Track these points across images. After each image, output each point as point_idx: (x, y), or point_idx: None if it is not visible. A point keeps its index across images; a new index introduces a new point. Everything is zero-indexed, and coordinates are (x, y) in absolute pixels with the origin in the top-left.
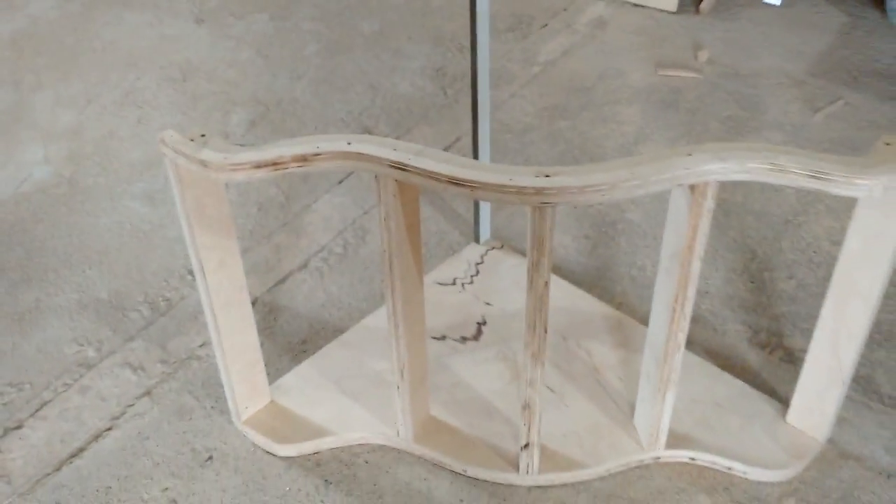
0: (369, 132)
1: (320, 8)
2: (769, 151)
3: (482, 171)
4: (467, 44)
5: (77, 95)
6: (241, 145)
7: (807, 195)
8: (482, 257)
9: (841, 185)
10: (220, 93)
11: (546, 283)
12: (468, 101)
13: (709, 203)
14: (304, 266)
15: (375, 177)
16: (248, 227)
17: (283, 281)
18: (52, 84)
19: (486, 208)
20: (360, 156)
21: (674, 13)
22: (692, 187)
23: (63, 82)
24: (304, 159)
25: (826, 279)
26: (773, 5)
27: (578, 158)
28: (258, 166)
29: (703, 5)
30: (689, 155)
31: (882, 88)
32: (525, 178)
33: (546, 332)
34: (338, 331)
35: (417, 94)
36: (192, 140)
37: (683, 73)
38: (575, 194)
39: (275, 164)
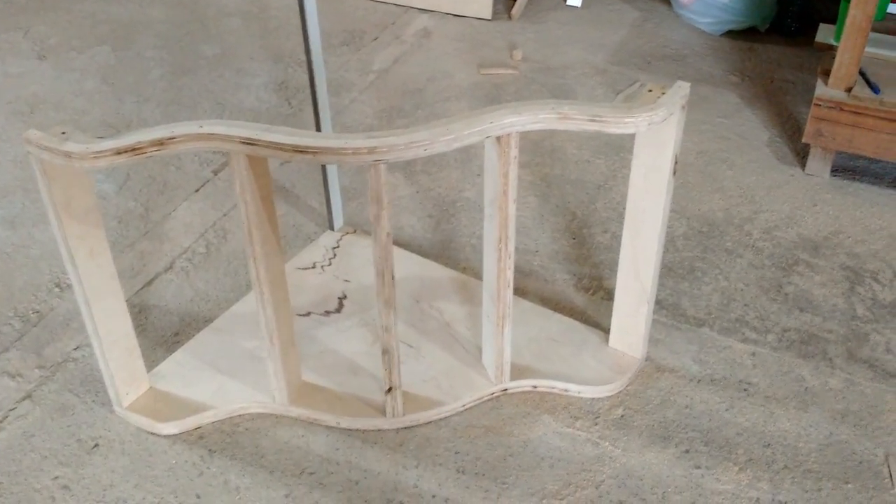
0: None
1: (161, 36)
2: (556, 103)
3: (322, 139)
4: (304, 59)
5: None
6: (101, 137)
7: (613, 164)
8: (338, 242)
9: (614, 125)
10: (70, 121)
11: (388, 234)
12: (311, 109)
13: (513, 151)
14: (170, 268)
15: (229, 153)
16: (109, 238)
17: (150, 283)
18: None
19: (337, 198)
20: (212, 136)
21: (489, 20)
22: (498, 139)
23: None
24: (160, 143)
25: None
26: (575, 7)
27: None
28: (119, 153)
29: (513, 11)
30: (492, 112)
31: (672, 69)
32: (358, 140)
33: (393, 279)
34: (208, 321)
35: (263, 106)
36: (54, 136)
37: (502, 71)
38: (402, 150)
39: (134, 149)
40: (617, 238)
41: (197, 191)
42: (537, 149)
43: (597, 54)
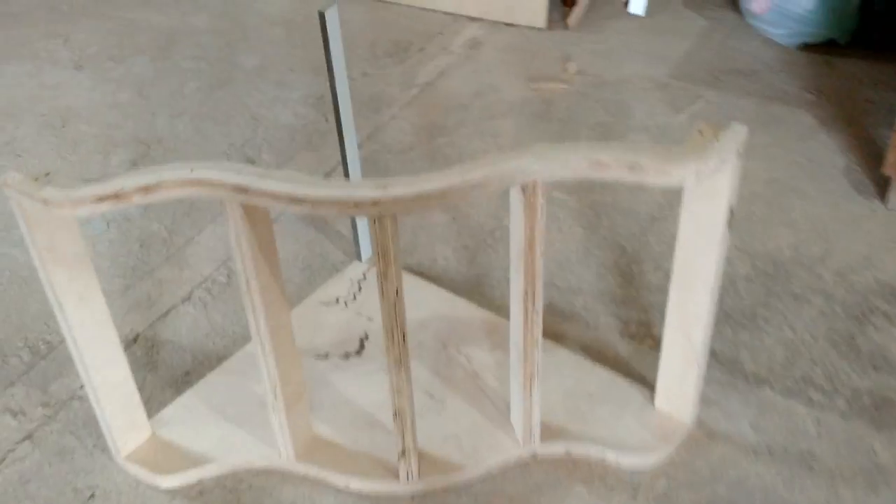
0: (252, 162)
1: (200, 46)
2: (589, 149)
3: (320, 187)
4: (348, 71)
5: None
6: (90, 180)
7: (669, 192)
8: (364, 274)
9: (656, 175)
10: (101, 135)
11: (397, 291)
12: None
13: (540, 201)
14: (188, 298)
15: (221, 202)
16: (129, 263)
17: (165, 315)
18: None
19: (365, 226)
20: (202, 182)
21: (543, 29)
22: (523, 188)
23: None
24: (146, 190)
25: None
26: (638, 15)
27: None
28: (101, 199)
29: (570, 20)
30: (515, 158)
31: (740, 85)
32: (361, 191)
33: (405, 338)
34: (222, 359)
35: (299, 122)
36: (35, 179)
37: (554, 86)
38: (410, 203)
39: (117, 196)
40: (670, 277)
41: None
42: None
43: (658, 67)
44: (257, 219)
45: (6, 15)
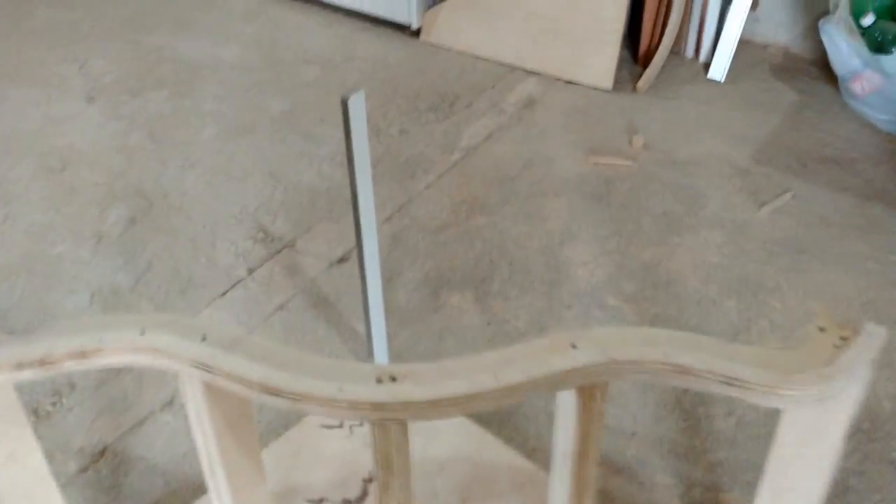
0: (264, 231)
1: (225, 84)
2: (671, 345)
3: (306, 376)
4: (384, 125)
5: None
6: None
7: (748, 308)
8: None
9: (762, 395)
10: (101, 185)
11: None
12: (382, 191)
13: (599, 405)
14: (169, 403)
15: (178, 373)
16: None
17: (141, 423)
18: None
19: (380, 328)
20: (155, 351)
21: (609, 91)
22: (579, 390)
23: None
24: (82, 355)
25: (770, 416)
26: (717, 82)
27: (496, 262)
28: (20, 366)
29: (640, 83)
30: (573, 347)
31: (834, 177)
32: (361, 387)
33: None
34: (198, 489)
35: (323, 184)
36: None
37: (617, 161)
38: (425, 410)
39: (43, 362)
40: (743, 427)
41: (224, 294)
42: (648, 274)
43: (739, 148)
44: (225, 402)
45: (27, 32)
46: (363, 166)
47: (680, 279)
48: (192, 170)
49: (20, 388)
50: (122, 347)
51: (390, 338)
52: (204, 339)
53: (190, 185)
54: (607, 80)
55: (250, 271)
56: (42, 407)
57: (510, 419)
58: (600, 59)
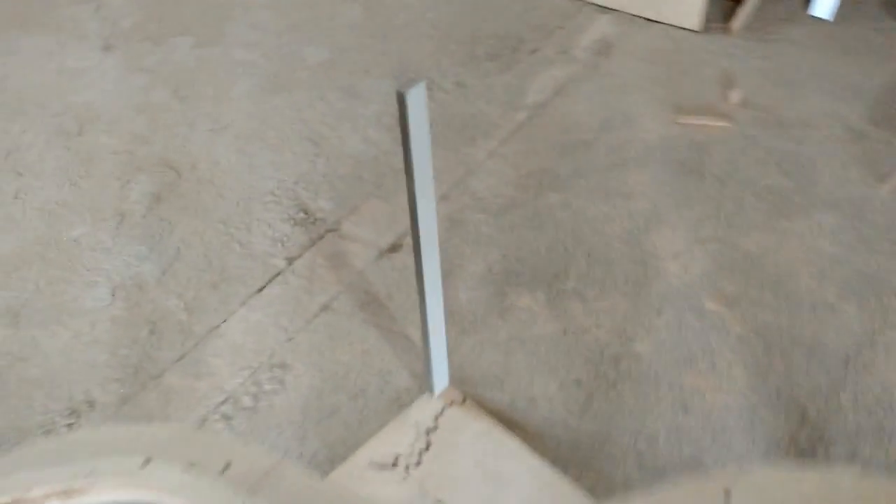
0: (305, 210)
1: (257, 28)
2: None
3: None
4: (439, 77)
5: None
6: None
7: (873, 315)
8: (436, 419)
9: None
10: (122, 151)
11: None
12: (436, 161)
13: None
14: (200, 428)
15: None
16: (132, 360)
17: None
18: None
19: (440, 345)
20: (160, 490)
21: (698, 32)
22: None
23: None
24: (65, 495)
25: None
26: (822, 20)
27: (571, 252)
28: None
29: (734, 22)
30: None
31: None
32: None
33: None
34: None
35: (370, 152)
36: None
37: (710, 122)
38: None
39: None
40: (870, 468)
41: (261, 290)
42: (753, 269)
43: (852, 104)
44: None
45: None
46: (423, 175)
47: (790, 276)
48: (223, 134)
49: (32, 407)
50: (118, 484)
51: (450, 349)
52: (227, 467)
53: (221, 152)
54: (696, 19)
55: (290, 261)
56: (55, 430)
57: (593, 459)
58: None
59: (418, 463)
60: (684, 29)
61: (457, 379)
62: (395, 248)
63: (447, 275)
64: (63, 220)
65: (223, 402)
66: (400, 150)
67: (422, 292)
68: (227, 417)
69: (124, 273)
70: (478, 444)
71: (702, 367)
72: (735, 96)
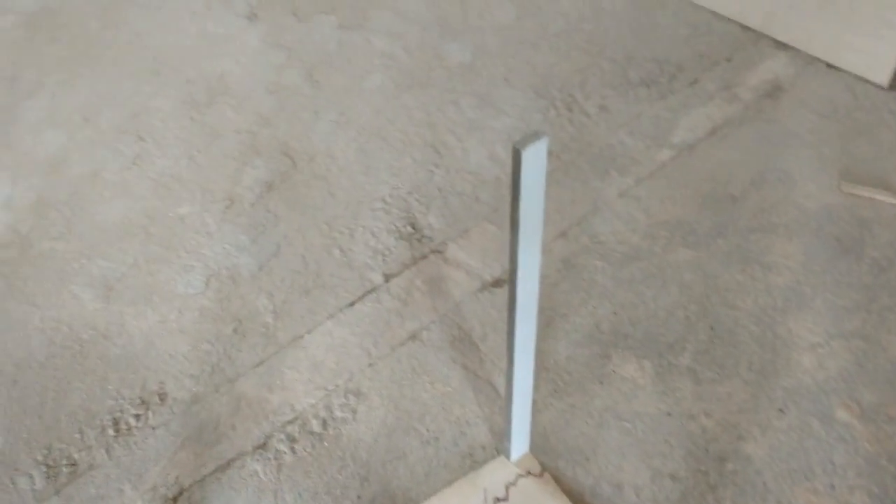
0: (413, 224)
1: (403, 15)
2: None
3: None
4: (581, 98)
5: (75, 109)
6: None
7: None
8: (507, 489)
9: None
10: (245, 132)
11: None
12: (561, 192)
13: None
14: (262, 446)
15: None
16: (211, 358)
17: (227, 466)
18: (53, 87)
19: (524, 404)
20: None
21: (884, 89)
22: None
23: (65, 87)
24: None
25: None
26: None
27: (693, 322)
28: None
29: None
30: None
31: None
32: None
33: None
34: None
35: (493, 171)
36: None
37: (880, 196)
38: None
39: None
40: None
41: (352, 304)
42: None
43: None
44: None
45: None
46: (530, 237)
47: None
48: (347, 128)
49: (105, 389)
50: None
51: (537, 409)
52: None
53: (341, 147)
54: (885, 74)
55: (387, 278)
56: (124, 419)
57: None
58: (879, 43)
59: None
60: (869, 82)
61: (538, 446)
62: (499, 283)
63: (549, 323)
64: (174, 195)
65: (291, 422)
66: None
67: (511, 350)
68: (291, 439)
69: (221, 262)
70: None
71: (819, 487)
72: None
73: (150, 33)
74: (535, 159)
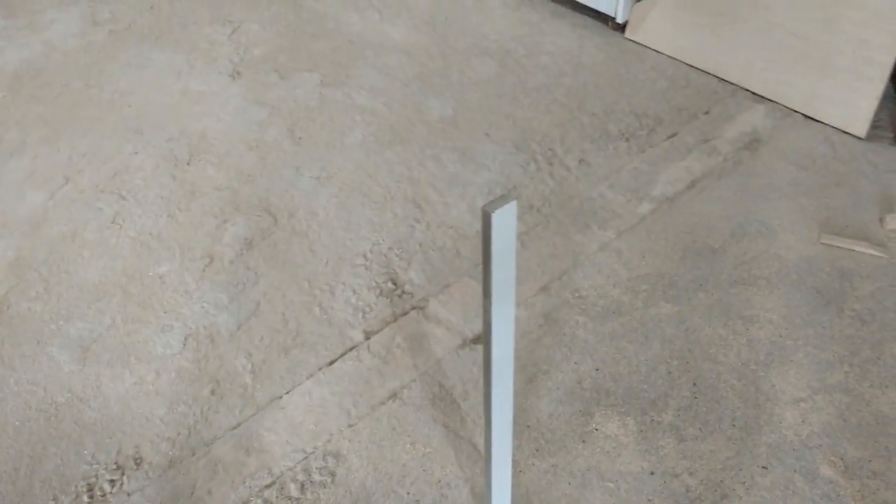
0: (394, 280)
1: (385, 73)
2: None
3: None
4: (561, 151)
5: (56, 168)
6: None
7: None
8: None
9: None
10: (225, 188)
11: None
12: (542, 246)
13: None
14: None
15: None
16: (188, 420)
17: None
18: (35, 146)
19: (504, 467)
20: None
21: (861, 139)
22: None
23: (48, 145)
24: None
25: None
26: None
27: (675, 378)
28: None
29: None
30: None
31: None
32: None
33: None
34: None
35: (474, 225)
36: None
37: (860, 247)
38: None
39: None
40: None
41: (332, 363)
42: (883, 435)
43: None
44: None
45: None
46: (503, 300)
47: None
48: (328, 184)
49: (80, 454)
50: None
51: (518, 468)
52: None
53: (322, 203)
54: (861, 125)
55: (368, 335)
56: (98, 484)
57: None
58: (855, 95)
59: None
60: (846, 133)
61: None
62: (480, 339)
63: (530, 380)
64: (153, 254)
65: (268, 486)
66: None
67: (488, 411)
68: None
69: (200, 321)
70: None
71: None
72: (892, 223)
73: (133, 92)
74: (504, 221)
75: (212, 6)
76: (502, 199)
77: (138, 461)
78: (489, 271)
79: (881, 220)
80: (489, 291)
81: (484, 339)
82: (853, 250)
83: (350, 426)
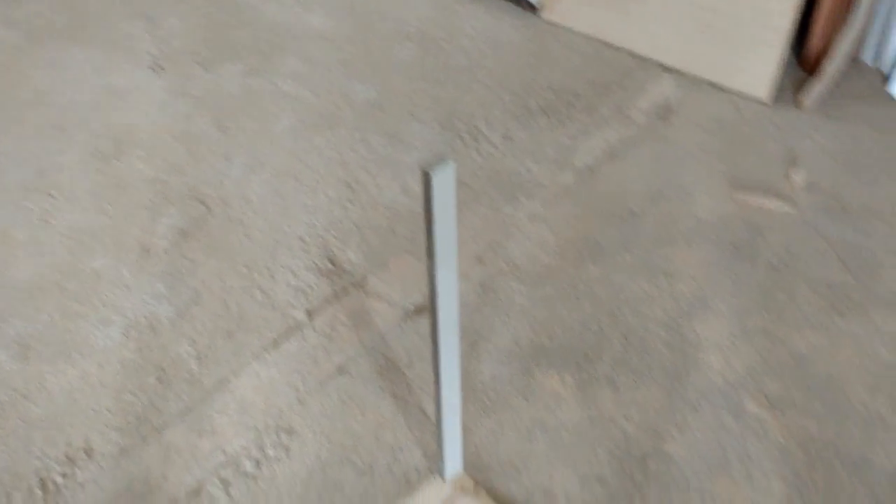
0: (332, 261)
1: (309, 61)
2: None
3: None
4: (485, 128)
5: None
6: None
7: None
8: None
9: None
10: (155, 180)
11: None
12: (475, 219)
13: None
14: (196, 492)
15: None
16: (136, 409)
17: None
18: None
19: (453, 431)
20: None
21: (766, 104)
22: None
23: None
24: None
25: None
26: None
27: (606, 333)
28: None
29: (805, 96)
30: None
31: None
32: None
33: None
34: None
35: (407, 204)
36: None
37: (769, 203)
38: None
39: None
40: None
41: (277, 344)
42: (801, 371)
43: None
44: None
45: None
46: (446, 261)
47: (842, 382)
48: (259, 171)
49: (29, 450)
50: None
51: (467, 429)
52: None
53: (254, 190)
54: (765, 89)
55: (310, 315)
56: (50, 478)
57: None
58: (758, 60)
59: None
60: (752, 99)
61: (471, 464)
62: (421, 310)
63: (472, 346)
64: (86, 249)
65: (223, 466)
66: None
67: (437, 372)
68: (225, 483)
69: (139, 312)
70: None
71: (737, 476)
72: (799, 177)
73: (52, 90)
74: (444, 181)
75: (126, 1)
76: (440, 160)
77: (89, 452)
78: (432, 232)
79: (787, 175)
80: (433, 252)
81: (430, 298)
82: (763, 206)
83: (300, 402)
